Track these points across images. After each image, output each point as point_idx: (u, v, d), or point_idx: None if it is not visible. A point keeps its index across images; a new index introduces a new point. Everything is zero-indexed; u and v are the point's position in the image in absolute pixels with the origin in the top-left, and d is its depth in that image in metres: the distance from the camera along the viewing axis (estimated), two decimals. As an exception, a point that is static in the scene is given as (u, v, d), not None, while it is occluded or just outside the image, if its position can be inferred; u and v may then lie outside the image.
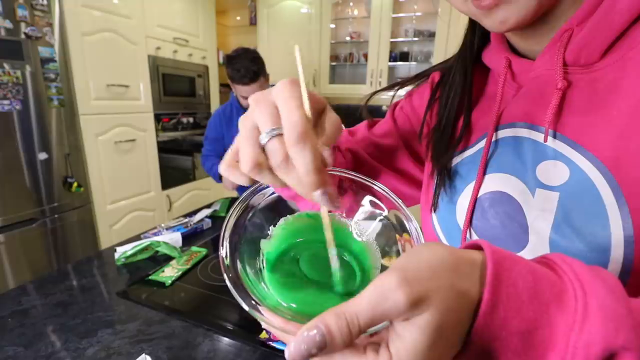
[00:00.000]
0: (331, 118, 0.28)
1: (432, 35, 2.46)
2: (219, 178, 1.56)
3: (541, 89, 0.34)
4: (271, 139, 0.24)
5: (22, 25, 1.50)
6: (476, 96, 0.43)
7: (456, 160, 0.42)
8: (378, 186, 0.30)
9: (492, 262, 0.20)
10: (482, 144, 0.39)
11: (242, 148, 0.25)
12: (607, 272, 0.21)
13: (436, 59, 2.40)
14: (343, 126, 0.35)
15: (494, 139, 0.38)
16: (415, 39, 2.58)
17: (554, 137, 0.33)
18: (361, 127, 0.54)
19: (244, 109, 1.53)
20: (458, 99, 0.43)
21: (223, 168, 0.27)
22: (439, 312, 0.19)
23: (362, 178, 0.31)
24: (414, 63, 2.64)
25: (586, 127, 0.31)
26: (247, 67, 1.29)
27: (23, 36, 1.51)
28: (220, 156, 1.68)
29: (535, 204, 0.34)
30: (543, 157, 0.33)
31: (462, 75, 0.43)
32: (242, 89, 1.36)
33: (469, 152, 0.41)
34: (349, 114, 3.05)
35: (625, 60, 0.29)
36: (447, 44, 2.34)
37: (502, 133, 0.37)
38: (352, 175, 0.31)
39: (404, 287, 0.18)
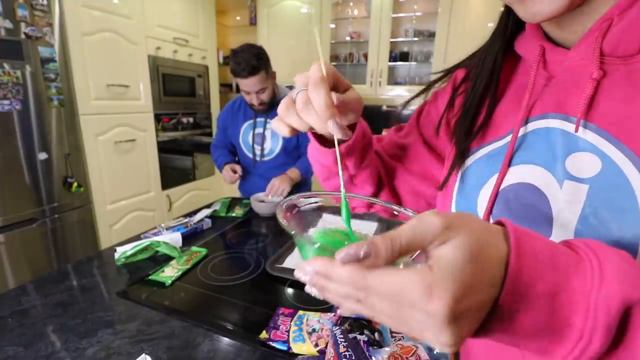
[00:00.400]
0: (351, 92, 0.39)
1: (432, 35, 2.46)
2: (221, 170, 1.58)
3: (576, 79, 0.34)
4: (298, 92, 0.35)
5: (22, 25, 1.50)
6: (503, 87, 0.43)
7: (483, 151, 0.42)
8: (394, 207, 0.37)
9: (514, 233, 0.23)
10: (510, 136, 0.38)
11: (281, 103, 0.36)
12: (619, 250, 0.23)
13: (436, 59, 2.40)
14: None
15: (523, 131, 0.37)
16: (415, 39, 2.58)
17: (586, 127, 0.32)
18: (389, 132, 0.59)
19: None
20: (484, 84, 0.43)
21: (274, 124, 0.38)
22: (473, 235, 0.22)
23: (380, 202, 0.39)
24: (414, 63, 2.64)
25: (621, 119, 0.30)
26: (247, 60, 1.30)
27: (23, 36, 1.51)
28: (226, 147, 1.66)
29: (562, 196, 0.33)
30: (574, 148, 0.33)
31: (492, 60, 0.43)
32: (241, 82, 1.36)
33: (497, 145, 0.40)
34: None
35: None
36: (447, 44, 2.34)
37: (533, 125, 0.36)
38: (370, 200, 0.41)
39: (440, 216, 0.22)
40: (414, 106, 0.55)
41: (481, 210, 0.40)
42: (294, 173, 1.50)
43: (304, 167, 1.53)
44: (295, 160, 1.59)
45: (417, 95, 0.53)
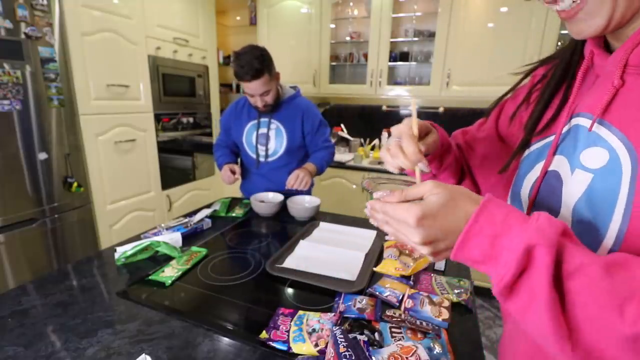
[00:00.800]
0: (431, 135, 0.57)
1: (432, 35, 2.46)
2: (220, 170, 1.58)
3: (605, 84, 0.40)
4: (393, 142, 0.51)
5: (22, 25, 1.50)
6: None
7: (539, 144, 0.49)
8: None
9: (485, 200, 0.37)
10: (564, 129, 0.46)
11: (382, 150, 0.53)
12: (555, 219, 0.33)
13: (436, 59, 2.40)
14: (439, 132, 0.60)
15: (568, 127, 0.44)
16: (415, 39, 2.58)
17: (602, 125, 0.38)
18: (474, 126, 0.69)
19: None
20: (555, 82, 0.49)
21: (382, 154, 0.54)
22: (452, 195, 0.38)
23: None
24: (414, 63, 2.64)
25: (633, 121, 0.35)
26: (250, 63, 1.29)
27: (23, 36, 1.51)
28: (229, 147, 1.65)
29: (571, 182, 0.41)
30: (591, 143, 0.39)
31: (566, 60, 0.49)
32: (245, 85, 1.36)
33: (549, 139, 0.47)
34: (349, 114, 3.06)
35: None
36: (447, 44, 2.34)
37: (574, 121, 0.43)
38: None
39: (435, 182, 0.40)
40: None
41: (524, 192, 0.49)
42: (311, 167, 1.51)
43: (320, 162, 1.55)
44: (298, 161, 1.59)
45: (506, 94, 0.60)
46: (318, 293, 0.84)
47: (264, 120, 1.52)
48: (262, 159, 1.56)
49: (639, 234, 0.32)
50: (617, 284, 0.29)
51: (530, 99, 0.53)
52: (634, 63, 0.36)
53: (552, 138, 0.46)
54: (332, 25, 2.73)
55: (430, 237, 0.38)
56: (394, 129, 0.53)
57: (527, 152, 0.51)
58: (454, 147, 0.64)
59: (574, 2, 0.36)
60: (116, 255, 0.97)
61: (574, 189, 0.40)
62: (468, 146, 0.67)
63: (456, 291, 0.83)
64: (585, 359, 0.29)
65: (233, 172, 1.50)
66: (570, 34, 0.40)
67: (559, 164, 0.43)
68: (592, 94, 0.41)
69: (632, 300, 0.27)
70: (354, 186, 2.56)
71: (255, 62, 1.29)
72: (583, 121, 0.41)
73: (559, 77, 0.48)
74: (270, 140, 1.53)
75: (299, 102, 1.55)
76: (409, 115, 0.56)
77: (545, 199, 0.44)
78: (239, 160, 1.69)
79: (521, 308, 0.33)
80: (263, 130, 1.53)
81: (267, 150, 1.54)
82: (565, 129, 0.44)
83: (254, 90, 1.36)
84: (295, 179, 1.42)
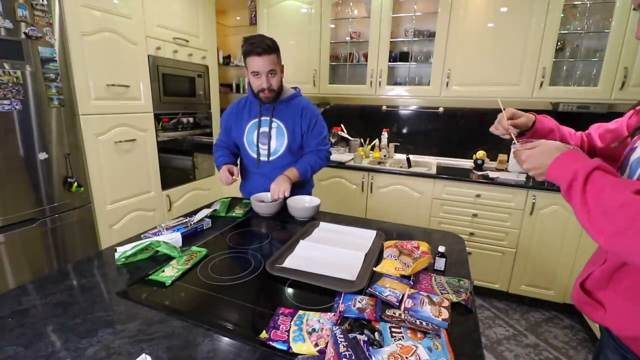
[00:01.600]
0: (522, 118, 0.89)
1: (432, 35, 2.46)
2: (219, 170, 1.55)
3: None
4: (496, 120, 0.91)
5: (22, 25, 1.50)
6: None
7: None
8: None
9: (568, 150, 0.67)
10: None
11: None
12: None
13: (436, 59, 2.40)
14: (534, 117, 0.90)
15: None
16: (415, 39, 2.58)
17: None
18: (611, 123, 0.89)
19: (257, 100, 1.49)
20: None
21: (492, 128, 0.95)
22: (546, 145, 0.70)
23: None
24: (414, 63, 2.64)
25: None
26: (262, 40, 1.32)
27: (23, 36, 1.51)
28: (229, 147, 1.64)
29: None
30: None
31: None
32: (254, 61, 1.33)
33: None
34: (349, 114, 3.06)
35: None
36: (447, 44, 2.34)
37: None
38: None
39: (542, 140, 0.74)
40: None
41: (626, 167, 0.72)
42: (291, 172, 1.48)
43: (303, 167, 1.52)
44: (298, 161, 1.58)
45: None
46: (318, 293, 0.84)
47: (265, 119, 1.51)
48: (264, 158, 1.55)
49: None
50: (596, 192, 0.58)
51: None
52: None
53: None
54: (332, 25, 2.73)
55: (535, 163, 0.70)
56: (499, 116, 0.90)
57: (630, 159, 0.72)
58: (557, 131, 0.91)
59: None
60: (116, 255, 0.97)
61: None
62: (599, 135, 0.90)
63: (456, 291, 0.83)
64: (590, 221, 0.57)
65: (231, 173, 1.48)
66: None
67: None
68: None
69: (602, 197, 0.56)
70: (354, 186, 2.56)
71: (267, 40, 1.33)
72: None
73: None
74: (272, 139, 1.52)
75: (299, 100, 1.55)
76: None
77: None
78: (238, 161, 1.69)
79: (572, 201, 0.61)
80: (264, 129, 1.52)
81: (269, 149, 1.53)
82: None
83: (262, 66, 1.34)
84: (273, 194, 1.41)
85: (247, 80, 1.52)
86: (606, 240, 0.53)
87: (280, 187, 1.40)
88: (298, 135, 1.53)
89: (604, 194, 0.55)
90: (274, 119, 1.51)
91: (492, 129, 0.91)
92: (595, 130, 0.90)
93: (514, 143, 0.80)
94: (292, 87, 1.59)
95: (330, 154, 1.65)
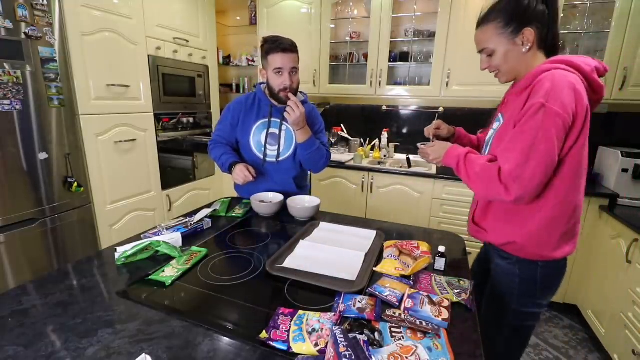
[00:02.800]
0: (446, 128, 1.28)
1: (432, 35, 2.46)
2: (228, 169, 1.48)
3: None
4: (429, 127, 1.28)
5: (22, 25, 1.50)
6: None
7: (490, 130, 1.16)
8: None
9: (452, 146, 1.06)
10: None
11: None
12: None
13: (436, 59, 2.40)
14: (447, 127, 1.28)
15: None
16: (415, 39, 2.58)
17: (502, 115, 1.06)
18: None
19: (268, 101, 1.47)
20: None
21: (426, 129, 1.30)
22: (440, 144, 1.10)
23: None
24: (413, 63, 2.64)
25: (509, 109, 1.02)
26: (285, 39, 1.35)
27: (23, 36, 1.51)
28: (229, 144, 1.58)
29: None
30: (497, 120, 1.08)
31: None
32: (278, 57, 1.32)
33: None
34: (349, 114, 3.06)
35: None
36: (447, 44, 2.34)
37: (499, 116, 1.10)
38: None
39: (436, 141, 1.14)
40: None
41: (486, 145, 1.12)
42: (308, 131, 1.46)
43: (316, 140, 1.49)
44: (299, 167, 1.57)
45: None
46: (318, 293, 0.84)
47: (275, 120, 1.48)
48: (271, 160, 1.52)
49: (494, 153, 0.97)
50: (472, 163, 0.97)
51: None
52: (512, 92, 1.03)
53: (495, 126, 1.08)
54: (332, 25, 2.73)
55: (435, 155, 1.07)
56: (432, 124, 1.27)
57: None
58: (466, 139, 1.32)
59: (492, 73, 1.05)
60: (116, 255, 0.97)
61: (488, 137, 1.09)
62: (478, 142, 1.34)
63: (456, 291, 0.83)
64: (469, 181, 0.96)
65: (250, 172, 1.41)
66: (498, 80, 1.06)
67: (491, 129, 1.10)
68: (501, 105, 1.10)
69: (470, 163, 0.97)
70: (354, 186, 2.56)
71: (289, 39, 1.36)
72: (498, 114, 1.07)
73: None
74: (281, 141, 1.50)
75: (307, 107, 1.51)
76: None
77: (486, 143, 1.09)
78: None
79: (460, 174, 0.99)
80: (274, 130, 1.49)
81: (278, 150, 1.50)
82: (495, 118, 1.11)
83: (286, 63, 1.33)
84: (294, 106, 1.34)
85: (260, 79, 1.49)
86: (473, 190, 0.97)
87: (299, 110, 1.33)
88: None
89: (473, 165, 0.95)
90: (284, 122, 1.48)
91: (425, 131, 1.27)
92: (479, 133, 1.37)
93: (422, 143, 1.15)
94: (301, 92, 1.56)
95: (330, 156, 1.63)
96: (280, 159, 1.52)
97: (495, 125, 1.04)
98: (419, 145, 1.15)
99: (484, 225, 1.07)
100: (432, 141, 1.14)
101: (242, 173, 1.41)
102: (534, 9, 0.90)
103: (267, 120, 1.49)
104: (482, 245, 1.25)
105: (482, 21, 0.99)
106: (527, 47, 0.93)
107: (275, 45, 1.32)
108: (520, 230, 0.97)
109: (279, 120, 1.48)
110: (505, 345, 1.09)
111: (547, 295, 1.02)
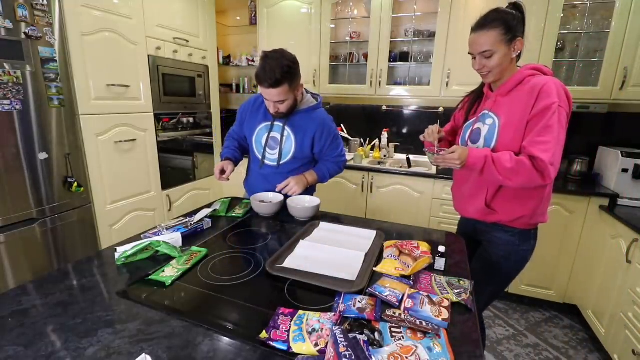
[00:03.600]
0: (441, 133, 1.35)
1: (432, 35, 2.46)
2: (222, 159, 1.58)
3: (491, 101, 1.28)
4: (428, 130, 1.35)
5: (22, 25, 1.50)
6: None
7: (470, 121, 1.30)
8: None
9: (469, 150, 1.11)
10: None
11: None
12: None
13: (436, 59, 2.40)
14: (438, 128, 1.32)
15: (480, 113, 1.27)
16: (415, 39, 2.58)
17: (491, 112, 1.21)
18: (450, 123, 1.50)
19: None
20: (474, 100, 1.35)
21: (422, 136, 1.38)
22: (460, 148, 1.12)
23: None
24: (413, 63, 2.64)
25: (501, 112, 1.18)
26: (273, 71, 1.26)
27: (23, 36, 1.51)
28: (239, 140, 1.65)
29: (482, 130, 1.22)
30: (487, 117, 1.22)
31: (477, 92, 1.40)
32: (262, 89, 1.33)
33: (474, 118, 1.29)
34: (349, 114, 3.06)
35: None
36: (447, 44, 2.34)
37: (483, 112, 1.25)
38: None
39: (457, 146, 1.14)
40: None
41: (465, 138, 1.28)
42: (312, 177, 1.54)
43: (322, 173, 1.57)
44: (302, 171, 1.56)
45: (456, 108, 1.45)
46: (318, 293, 0.84)
47: (278, 124, 1.49)
48: (270, 163, 1.53)
49: (502, 147, 1.11)
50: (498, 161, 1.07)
51: (464, 107, 1.36)
52: (501, 93, 1.17)
53: (476, 117, 1.24)
54: (332, 25, 2.73)
55: (462, 159, 1.09)
56: (429, 128, 1.32)
57: (465, 124, 1.30)
58: (450, 136, 1.46)
59: (483, 73, 1.19)
60: (116, 255, 0.97)
61: (483, 132, 1.18)
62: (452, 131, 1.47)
63: (456, 291, 0.83)
64: (503, 176, 1.07)
65: (222, 172, 1.48)
66: (483, 80, 1.23)
67: (479, 125, 1.21)
68: (487, 104, 1.22)
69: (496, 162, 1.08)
70: (354, 186, 2.56)
71: (277, 72, 1.25)
72: (485, 111, 1.21)
73: (475, 97, 1.32)
74: (282, 145, 1.50)
75: (317, 115, 1.50)
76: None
77: (474, 138, 1.22)
78: (240, 157, 1.67)
79: (486, 173, 1.09)
80: (275, 134, 1.50)
81: (280, 154, 1.51)
82: (480, 115, 1.23)
83: (269, 96, 1.33)
84: (285, 186, 1.47)
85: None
86: (509, 183, 1.08)
87: (293, 187, 1.46)
88: (307, 148, 1.50)
89: (502, 162, 1.05)
90: (286, 128, 1.48)
91: (423, 137, 1.33)
92: (453, 120, 1.48)
93: (437, 152, 1.16)
94: (314, 95, 1.55)
95: (347, 160, 1.67)
96: (282, 162, 1.52)
97: (489, 121, 1.18)
98: (435, 153, 1.15)
99: (494, 207, 1.22)
100: (437, 145, 1.24)
101: (216, 169, 1.49)
102: (522, 24, 1.12)
103: (270, 124, 1.50)
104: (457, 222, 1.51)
105: (485, 26, 1.10)
106: (516, 54, 1.13)
107: (261, 76, 1.28)
108: (526, 207, 1.18)
109: (281, 125, 1.48)
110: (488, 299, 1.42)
111: (530, 256, 1.30)
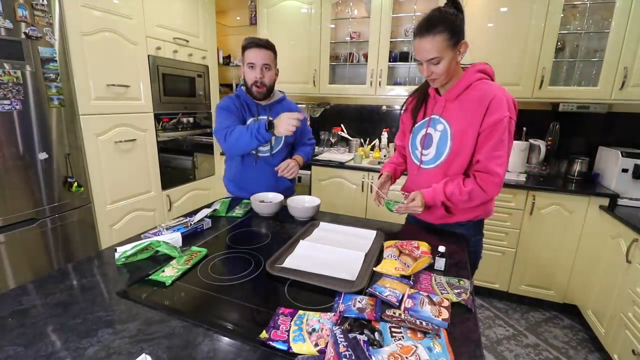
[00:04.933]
0: (387, 184, 1.39)
1: (432, 35, 2.45)
2: (266, 128, 1.35)
3: (439, 105, 1.25)
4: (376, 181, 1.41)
5: (22, 25, 1.50)
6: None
7: (419, 124, 1.28)
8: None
9: (424, 191, 1.22)
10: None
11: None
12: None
13: (436, 59, 2.40)
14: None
15: (429, 118, 1.25)
16: (415, 39, 2.58)
17: (441, 117, 1.20)
18: (399, 133, 1.49)
19: (252, 101, 1.54)
20: (419, 102, 1.31)
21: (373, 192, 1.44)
22: (418, 192, 1.21)
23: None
24: (413, 63, 2.63)
25: (451, 117, 1.18)
26: (261, 39, 1.45)
27: (23, 36, 1.51)
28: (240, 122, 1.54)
29: (434, 136, 1.24)
30: (437, 123, 1.22)
31: (422, 94, 1.32)
32: (250, 53, 1.43)
33: (425, 121, 1.26)
34: (349, 114, 3.06)
35: None
36: (447, 44, 2.34)
37: (432, 116, 1.23)
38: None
39: (415, 192, 1.23)
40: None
41: (417, 143, 1.28)
42: (300, 159, 1.64)
43: (305, 155, 1.71)
44: (283, 159, 1.62)
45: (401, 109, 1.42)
46: (318, 293, 0.84)
47: (262, 119, 1.52)
48: (264, 154, 1.58)
49: (455, 155, 1.16)
50: (452, 188, 1.15)
51: (409, 109, 1.35)
52: (449, 98, 1.17)
53: (425, 121, 1.24)
54: (332, 25, 2.73)
55: (422, 206, 1.18)
56: (379, 184, 1.35)
57: (414, 127, 1.29)
58: (399, 169, 1.46)
59: (431, 79, 1.14)
60: (116, 255, 0.97)
61: (435, 138, 1.20)
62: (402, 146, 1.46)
63: (456, 291, 0.83)
64: (464, 205, 1.20)
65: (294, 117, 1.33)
66: (431, 84, 1.19)
67: (430, 131, 1.22)
68: (436, 108, 1.21)
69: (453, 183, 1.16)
70: (354, 186, 2.56)
71: (266, 40, 1.46)
72: (435, 116, 1.21)
73: (420, 98, 1.28)
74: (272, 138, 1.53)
75: (289, 103, 1.66)
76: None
77: (426, 144, 1.23)
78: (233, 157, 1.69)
79: (451, 204, 1.19)
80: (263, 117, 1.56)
81: (271, 144, 1.58)
82: (427, 118, 1.23)
83: (258, 58, 1.42)
84: (286, 167, 1.55)
85: (242, 77, 1.54)
86: (472, 205, 1.20)
87: (292, 167, 1.54)
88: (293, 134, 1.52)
89: (456, 195, 1.15)
90: (271, 116, 1.54)
91: (377, 202, 1.35)
92: (401, 141, 1.46)
93: (400, 204, 1.21)
94: (279, 91, 1.67)
95: (315, 143, 1.85)
96: (274, 152, 1.60)
97: (440, 127, 1.19)
98: (400, 206, 1.21)
99: (454, 211, 1.26)
100: (387, 196, 1.31)
101: (289, 119, 1.31)
102: (463, 26, 1.10)
103: (255, 118, 1.55)
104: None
105: (429, 31, 1.05)
106: (462, 57, 1.13)
107: (251, 40, 1.43)
108: (482, 207, 1.25)
109: (265, 118, 1.53)
110: None
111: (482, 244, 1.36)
